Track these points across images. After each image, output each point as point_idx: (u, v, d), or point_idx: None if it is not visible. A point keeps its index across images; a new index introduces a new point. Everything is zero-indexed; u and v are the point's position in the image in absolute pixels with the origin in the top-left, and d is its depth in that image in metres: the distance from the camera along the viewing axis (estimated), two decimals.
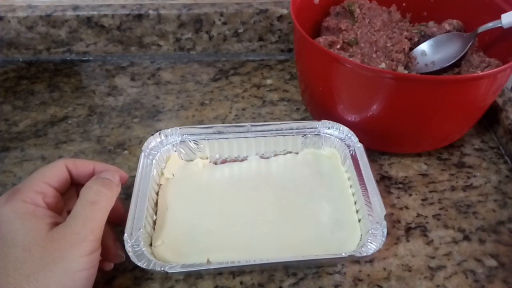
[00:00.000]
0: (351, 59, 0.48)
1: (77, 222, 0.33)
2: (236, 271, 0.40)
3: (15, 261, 0.30)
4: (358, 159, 0.44)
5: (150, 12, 0.63)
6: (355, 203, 0.42)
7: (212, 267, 0.36)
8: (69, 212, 0.38)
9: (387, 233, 0.37)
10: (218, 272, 0.39)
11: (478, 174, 0.49)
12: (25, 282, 0.30)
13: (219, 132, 0.46)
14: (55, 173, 0.36)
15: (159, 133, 0.46)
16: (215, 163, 0.47)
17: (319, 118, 0.48)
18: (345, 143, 0.46)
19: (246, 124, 0.46)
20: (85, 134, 0.54)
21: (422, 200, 0.46)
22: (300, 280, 0.39)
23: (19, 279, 0.30)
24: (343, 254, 0.36)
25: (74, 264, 0.31)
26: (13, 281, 0.30)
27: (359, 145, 0.45)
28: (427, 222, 0.44)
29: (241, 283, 0.39)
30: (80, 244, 0.32)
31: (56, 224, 0.33)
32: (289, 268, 0.40)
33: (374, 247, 0.36)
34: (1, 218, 0.32)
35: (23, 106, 0.58)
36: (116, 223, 0.39)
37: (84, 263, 0.32)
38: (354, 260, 0.40)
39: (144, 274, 0.39)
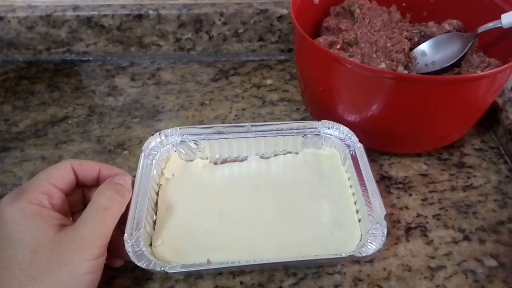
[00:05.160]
0: (351, 59, 0.48)
1: (87, 226, 0.33)
2: (236, 271, 0.40)
3: (21, 262, 0.30)
4: (358, 159, 0.44)
5: (150, 12, 0.63)
6: (355, 203, 0.42)
7: (212, 267, 0.36)
8: (74, 214, 0.38)
9: (387, 233, 0.37)
10: (218, 272, 0.39)
11: (478, 174, 0.49)
12: (31, 283, 0.30)
13: (219, 132, 0.46)
14: (61, 174, 0.36)
15: (159, 133, 0.46)
16: (215, 163, 0.47)
17: (319, 118, 0.48)
18: (345, 143, 0.46)
19: (246, 124, 0.46)
20: (85, 134, 0.54)
21: (422, 200, 0.46)
22: (300, 280, 0.39)
23: (25, 280, 0.30)
24: (343, 254, 0.36)
25: (80, 268, 0.31)
26: (18, 282, 0.30)
27: (359, 145, 0.45)
28: (427, 222, 0.44)
29: (241, 283, 0.39)
30: (88, 248, 0.32)
31: (62, 226, 0.33)
32: (289, 268, 0.40)
33: (374, 247, 0.36)
34: (7, 218, 0.32)
35: (23, 106, 0.58)
36: (122, 222, 0.39)
37: (90, 267, 0.32)
38: (354, 260, 0.40)
39: (144, 274, 0.39)
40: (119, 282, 0.39)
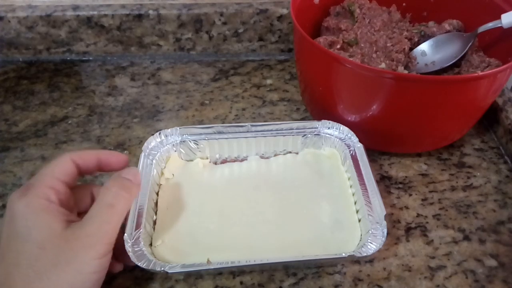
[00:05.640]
0: (351, 59, 0.48)
1: (92, 224, 0.33)
2: (236, 271, 0.40)
3: (29, 257, 0.30)
4: (358, 159, 0.44)
5: (150, 12, 0.63)
6: (355, 203, 0.42)
7: (212, 267, 0.36)
8: (80, 214, 0.38)
9: (387, 233, 0.37)
10: (218, 272, 0.39)
11: (478, 174, 0.49)
12: (38, 279, 0.30)
13: (219, 132, 0.46)
14: (63, 168, 0.35)
15: (159, 133, 0.46)
16: (215, 163, 0.47)
17: (319, 118, 0.48)
18: (345, 143, 0.46)
19: (246, 124, 0.46)
20: (85, 134, 0.54)
21: (422, 200, 0.46)
22: (300, 280, 0.39)
23: (32, 275, 0.30)
24: (343, 254, 0.36)
25: (86, 267, 0.31)
26: (26, 277, 0.30)
27: (359, 145, 0.45)
28: (427, 222, 0.44)
29: (241, 283, 0.39)
30: (94, 246, 0.32)
31: (69, 222, 0.33)
32: (289, 268, 0.40)
33: (374, 247, 0.36)
34: (16, 213, 0.32)
35: (23, 106, 0.58)
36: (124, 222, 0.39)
37: (96, 265, 0.32)
38: (354, 260, 0.40)
39: (144, 274, 0.39)
40: (119, 282, 0.39)
